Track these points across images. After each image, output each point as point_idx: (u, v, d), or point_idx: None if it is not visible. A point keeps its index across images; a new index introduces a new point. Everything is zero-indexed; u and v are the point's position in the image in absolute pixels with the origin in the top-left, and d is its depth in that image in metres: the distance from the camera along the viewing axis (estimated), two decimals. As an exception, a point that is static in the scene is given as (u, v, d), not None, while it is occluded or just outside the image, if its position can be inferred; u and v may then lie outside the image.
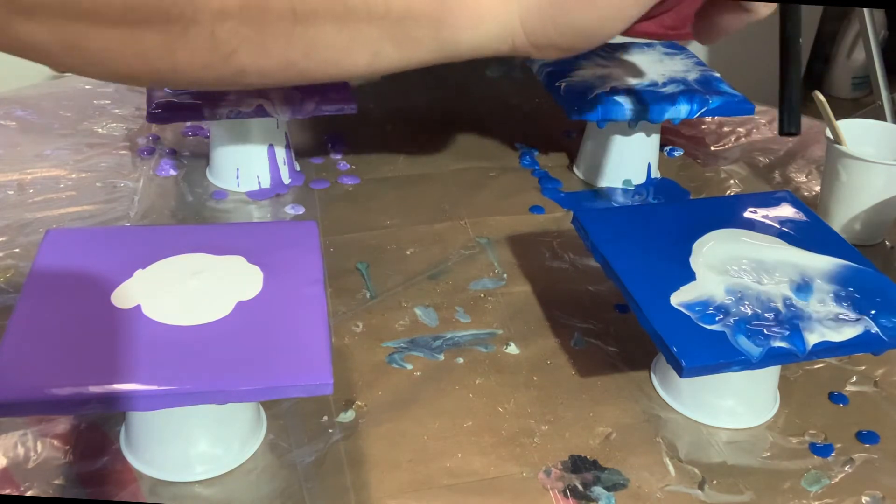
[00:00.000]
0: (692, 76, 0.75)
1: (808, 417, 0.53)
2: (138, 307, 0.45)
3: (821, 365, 0.57)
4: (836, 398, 0.54)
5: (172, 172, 0.74)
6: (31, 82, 0.90)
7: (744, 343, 0.46)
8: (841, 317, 0.48)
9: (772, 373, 0.52)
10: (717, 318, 0.48)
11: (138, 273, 0.47)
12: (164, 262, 0.48)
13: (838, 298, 0.50)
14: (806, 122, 0.89)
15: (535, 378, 0.54)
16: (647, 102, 0.70)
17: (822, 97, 0.68)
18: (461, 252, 0.66)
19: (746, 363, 0.46)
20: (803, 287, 0.50)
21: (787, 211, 0.59)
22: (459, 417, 0.51)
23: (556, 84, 0.73)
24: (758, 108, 0.75)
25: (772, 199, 0.60)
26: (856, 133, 0.70)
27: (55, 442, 0.48)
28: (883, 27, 2.13)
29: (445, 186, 0.75)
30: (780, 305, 0.49)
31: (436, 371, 0.54)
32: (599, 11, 0.43)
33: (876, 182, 0.67)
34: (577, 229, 0.57)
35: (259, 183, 0.72)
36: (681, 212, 0.58)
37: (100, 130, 0.80)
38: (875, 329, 0.47)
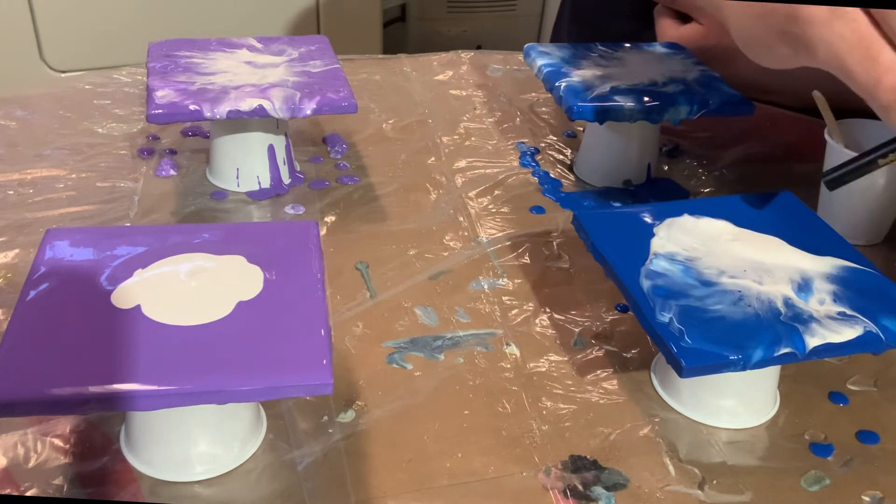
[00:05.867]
0: (692, 76, 0.75)
1: (808, 417, 0.53)
2: (138, 307, 0.45)
3: (821, 365, 0.57)
4: (836, 398, 0.54)
5: (172, 172, 0.74)
6: (31, 82, 0.90)
7: (744, 343, 0.46)
8: (841, 317, 0.48)
9: (772, 373, 0.52)
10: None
11: (138, 273, 0.47)
12: (164, 262, 0.48)
13: (838, 299, 0.50)
14: (806, 121, 0.90)
15: (534, 378, 0.54)
16: (647, 102, 0.70)
17: (821, 97, 0.68)
18: (461, 252, 0.66)
19: (746, 363, 0.46)
20: (803, 287, 0.50)
21: (787, 211, 0.59)
22: (459, 417, 0.51)
23: (556, 84, 0.73)
24: (758, 108, 0.75)
25: (772, 199, 0.60)
26: (856, 133, 0.70)
27: (55, 442, 0.48)
28: (883, 27, 2.12)
29: (446, 186, 0.75)
30: (780, 305, 0.49)
31: (436, 371, 0.54)
32: None
33: (876, 182, 0.67)
34: (577, 229, 0.57)
35: (259, 183, 0.72)
36: (681, 212, 0.58)
37: (100, 130, 0.80)
38: (875, 329, 0.47)
